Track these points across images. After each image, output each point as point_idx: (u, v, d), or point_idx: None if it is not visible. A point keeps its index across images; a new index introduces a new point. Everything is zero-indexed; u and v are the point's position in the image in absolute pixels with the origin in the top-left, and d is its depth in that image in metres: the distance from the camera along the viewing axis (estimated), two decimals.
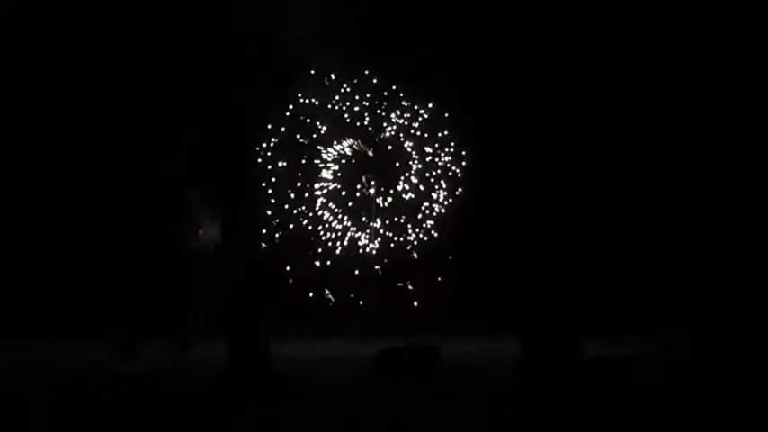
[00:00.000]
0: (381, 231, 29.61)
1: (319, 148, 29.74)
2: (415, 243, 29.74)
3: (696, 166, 27.49)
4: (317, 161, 29.74)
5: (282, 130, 29.25)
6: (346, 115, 29.55)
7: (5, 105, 27.35)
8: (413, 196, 29.73)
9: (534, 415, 16.49)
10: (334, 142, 29.74)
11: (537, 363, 19.29)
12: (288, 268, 29.13)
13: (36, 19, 25.59)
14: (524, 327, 20.13)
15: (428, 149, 29.82)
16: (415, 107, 29.74)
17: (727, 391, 17.33)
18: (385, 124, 29.86)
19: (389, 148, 29.80)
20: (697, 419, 15.49)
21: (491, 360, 21.82)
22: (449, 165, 29.76)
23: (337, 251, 29.43)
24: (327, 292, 27.76)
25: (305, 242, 29.57)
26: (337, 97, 29.48)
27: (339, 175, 29.78)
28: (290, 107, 29.13)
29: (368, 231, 29.54)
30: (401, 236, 29.78)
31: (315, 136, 29.60)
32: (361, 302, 29.18)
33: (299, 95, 29.05)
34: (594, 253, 25.14)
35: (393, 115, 29.82)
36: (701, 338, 23.44)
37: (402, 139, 29.98)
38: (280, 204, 29.39)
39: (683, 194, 27.58)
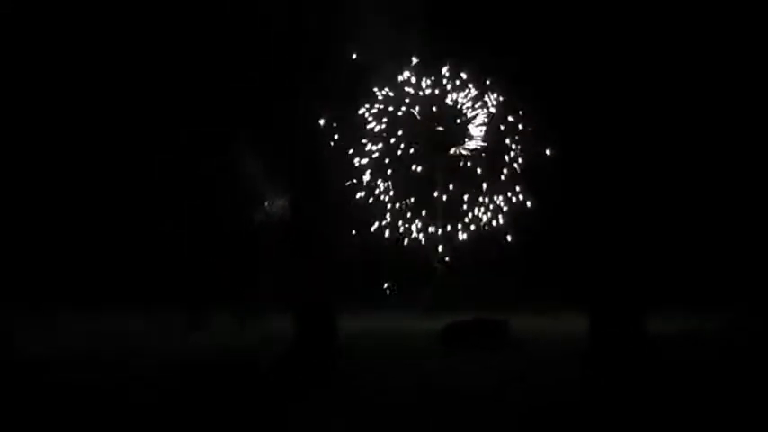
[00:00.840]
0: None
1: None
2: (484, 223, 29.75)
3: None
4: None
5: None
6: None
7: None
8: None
9: (602, 389, 16.40)
10: None
11: (604, 337, 19.15)
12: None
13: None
14: (592, 302, 19.99)
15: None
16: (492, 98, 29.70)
17: None
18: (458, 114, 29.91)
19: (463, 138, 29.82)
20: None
21: (558, 334, 21.74)
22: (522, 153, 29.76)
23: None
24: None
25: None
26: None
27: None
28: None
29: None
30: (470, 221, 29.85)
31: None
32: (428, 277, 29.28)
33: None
34: (668, 227, 24.90)
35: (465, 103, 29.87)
36: None
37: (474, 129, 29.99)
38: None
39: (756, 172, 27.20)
